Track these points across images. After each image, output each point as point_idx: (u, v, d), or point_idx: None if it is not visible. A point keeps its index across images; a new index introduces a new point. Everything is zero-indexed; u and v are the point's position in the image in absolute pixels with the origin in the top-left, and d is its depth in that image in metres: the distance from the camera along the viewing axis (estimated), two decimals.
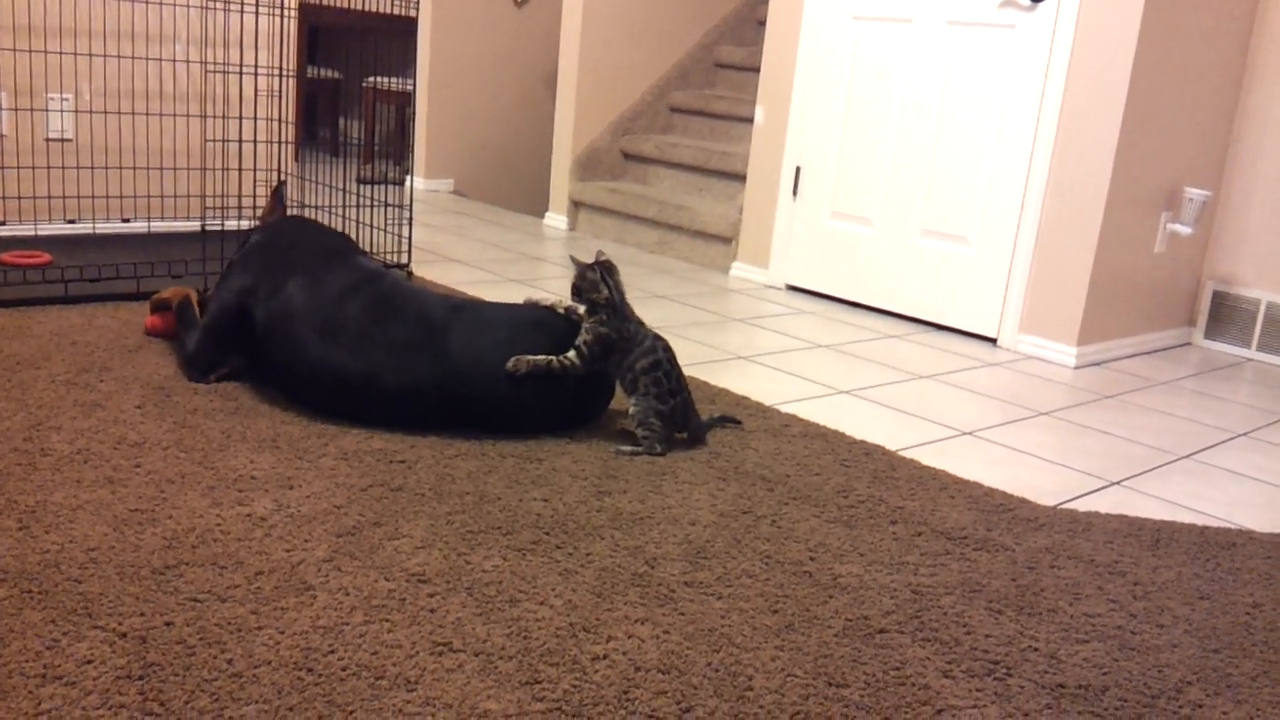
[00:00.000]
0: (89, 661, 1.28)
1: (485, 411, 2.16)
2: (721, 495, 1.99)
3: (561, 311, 2.24)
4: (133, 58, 3.63)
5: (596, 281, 2.15)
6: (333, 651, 1.35)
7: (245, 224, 3.66)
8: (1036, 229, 3.39)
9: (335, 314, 2.17)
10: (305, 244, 2.35)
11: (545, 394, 2.17)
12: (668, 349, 2.20)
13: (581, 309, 2.19)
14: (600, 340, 2.14)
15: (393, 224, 3.88)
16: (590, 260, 2.19)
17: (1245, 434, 2.79)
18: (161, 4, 3.65)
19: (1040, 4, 3.32)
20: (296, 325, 2.18)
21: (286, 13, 3.85)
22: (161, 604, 1.42)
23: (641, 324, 2.21)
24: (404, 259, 3.55)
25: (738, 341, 3.22)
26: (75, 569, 1.49)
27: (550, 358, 2.13)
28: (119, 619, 1.37)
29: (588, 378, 2.20)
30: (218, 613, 1.41)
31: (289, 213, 2.74)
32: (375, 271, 2.29)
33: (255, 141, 3.89)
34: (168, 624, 1.37)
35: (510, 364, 2.12)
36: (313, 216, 4.02)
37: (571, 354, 2.14)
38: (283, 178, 2.75)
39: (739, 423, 2.39)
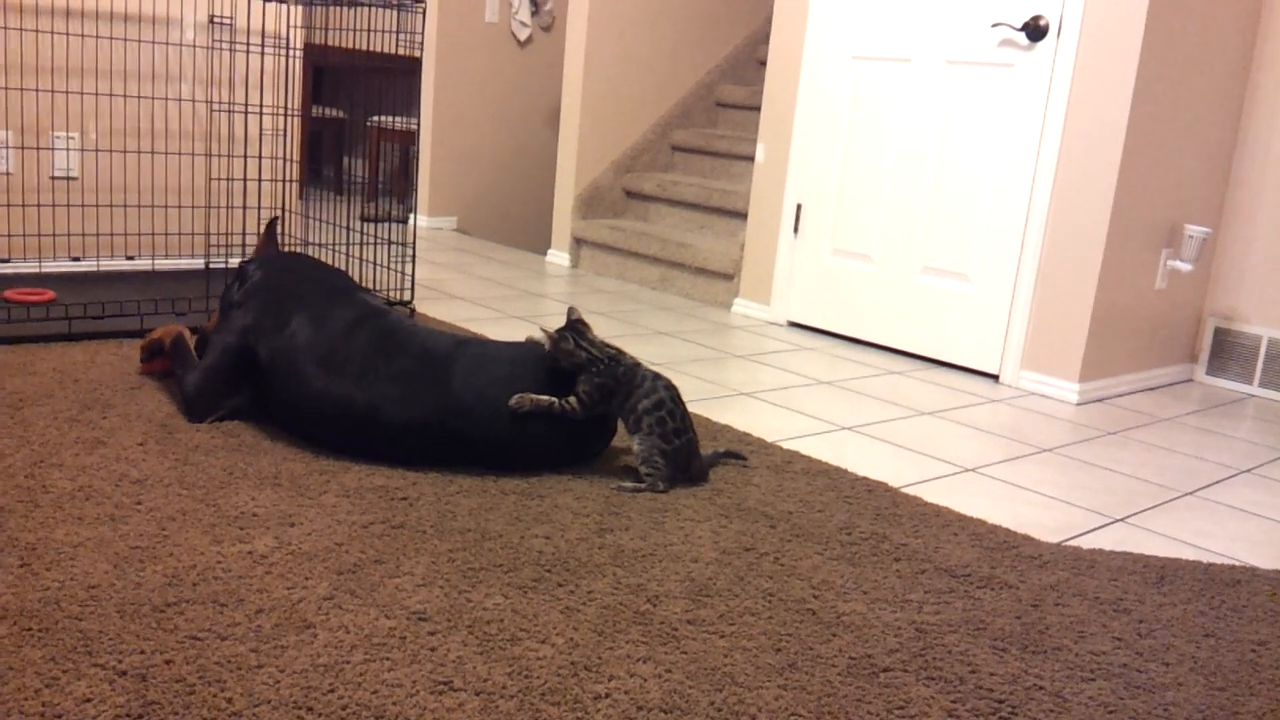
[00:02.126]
0: (88, 700, 1.27)
1: (486, 447, 2.15)
2: (724, 532, 1.98)
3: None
4: (139, 97, 3.66)
5: (572, 350, 2.16)
6: (333, 690, 1.34)
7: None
8: (1037, 266, 3.40)
9: (339, 347, 2.18)
10: (308, 281, 2.36)
11: (547, 431, 2.17)
12: (670, 388, 2.20)
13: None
14: (598, 389, 2.15)
15: (396, 261, 3.89)
16: (562, 315, 2.19)
17: (1248, 470, 2.78)
18: (168, 44, 3.68)
19: (1039, 43, 3.35)
20: (301, 359, 2.19)
21: (291, 53, 3.89)
22: (161, 642, 1.41)
23: (638, 364, 2.21)
24: (407, 296, 3.56)
25: (740, 378, 3.22)
26: (75, 606, 1.48)
27: (553, 399, 2.14)
28: (119, 657, 1.37)
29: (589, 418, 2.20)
30: (218, 651, 1.40)
31: (288, 249, 2.75)
32: (378, 308, 2.30)
33: (260, 180, 3.91)
34: (167, 662, 1.36)
35: (514, 401, 2.13)
36: (316, 254, 4.03)
37: (573, 400, 2.15)
38: (275, 214, 2.76)
39: (744, 459, 2.39)
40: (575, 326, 2.19)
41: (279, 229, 2.58)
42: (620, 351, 2.21)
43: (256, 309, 2.31)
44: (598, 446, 2.29)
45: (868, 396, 3.16)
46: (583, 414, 2.16)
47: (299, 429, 2.22)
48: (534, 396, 2.13)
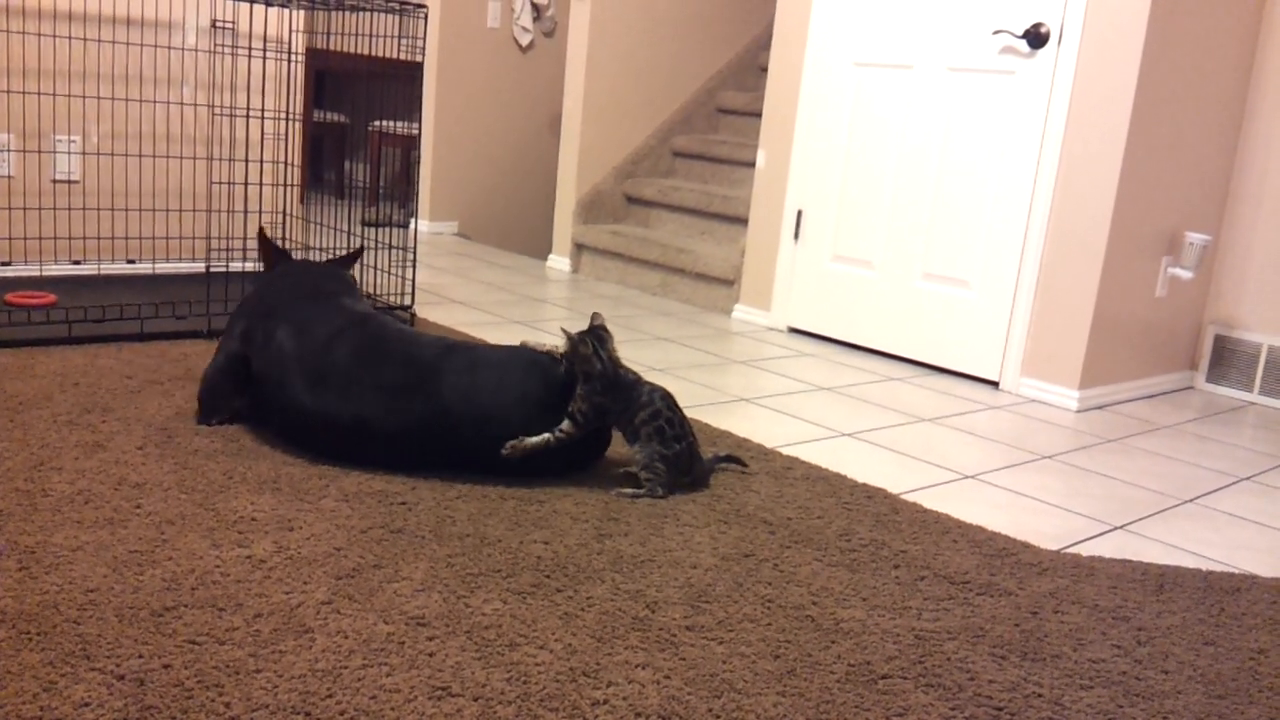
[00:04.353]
0: (86, 704, 1.27)
1: (479, 453, 2.14)
2: (723, 538, 1.98)
3: (559, 357, 2.22)
4: (140, 100, 3.67)
5: (589, 356, 2.13)
6: (331, 695, 1.34)
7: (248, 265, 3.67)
8: (1038, 273, 3.40)
9: (323, 360, 2.17)
10: (295, 290, 2.35)
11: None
12: (666, 397, 2.19)
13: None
14: (596, 408, 2.13)
15: (397, 266, 3.89)
16: (582, 325, 2.16)
17: (1248, 478, 2.78)
18: (169, 48, 3.69)
19: (1039, 51, 3.35)
20: (287, 374, 2.18)
21: (293, 57, 3.90)
22: (160, 646, 1.41)
23: (639, 380, 2.21)
24: (407, 301, 3.57)
25: (740, 384, 3.22)
26: (74, 610, 1.48)
27: (547, 436, 2.10)
28: (117, 661, 1.37)
29: None
30: (216, 655, 1.40)
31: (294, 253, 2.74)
32: (363, 314, 2.29)
33: (261, 184, 3.92)
34: (166, 666, 1.36)
35: (506, 450, 2.10)
36: (318, 258, 4.04)
37: (567, 424, 2.12)
38: (262, 225, 2.76)
39: (744, 465, 2.39)
40: (597, 333, 2.17)
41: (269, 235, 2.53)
42: (623, 366, 2.19)
43: (249, 318, 2.33)
44: (591, 455, 2.28)
45: (867, 403, 3.15)
46: (578, 435, 2.14)
47: (290, 438, 2.22)
48: (528, 440, 2.10)
